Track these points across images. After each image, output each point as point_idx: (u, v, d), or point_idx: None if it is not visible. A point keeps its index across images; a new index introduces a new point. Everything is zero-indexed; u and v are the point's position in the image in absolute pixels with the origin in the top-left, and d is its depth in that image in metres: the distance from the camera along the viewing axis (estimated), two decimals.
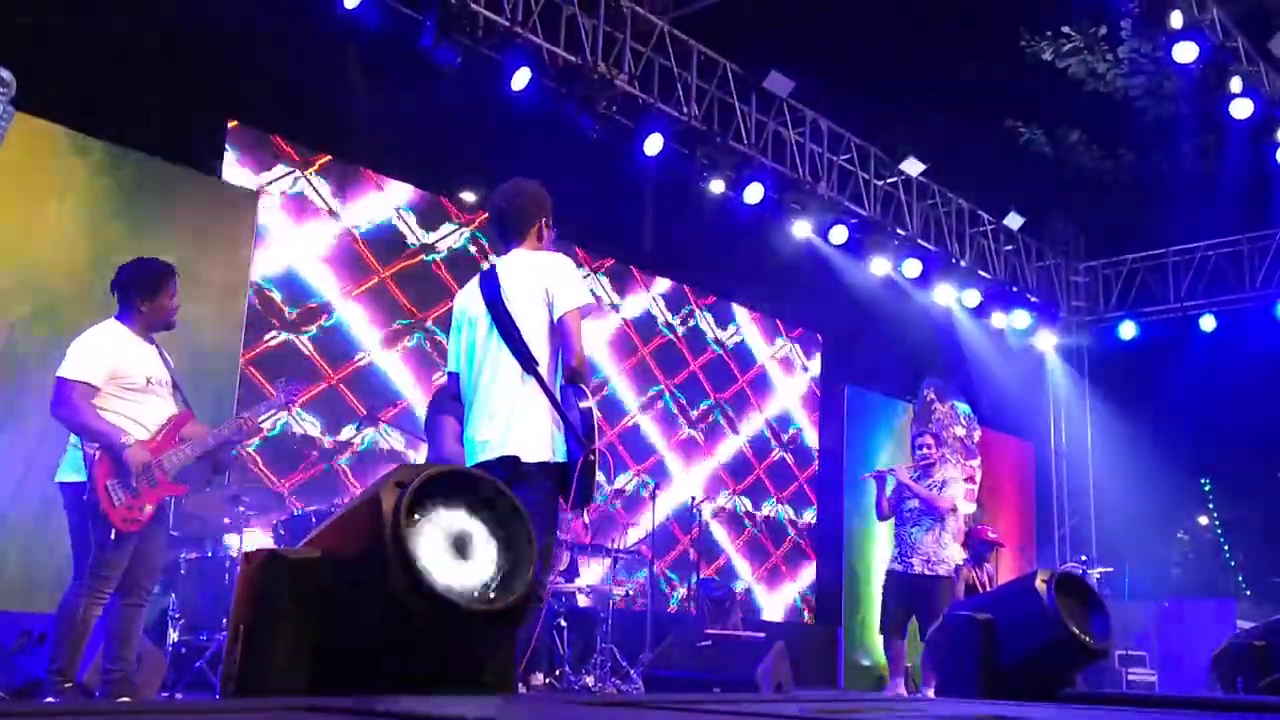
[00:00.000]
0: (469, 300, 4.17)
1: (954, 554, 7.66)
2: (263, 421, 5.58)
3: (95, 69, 6.72)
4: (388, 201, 8.78)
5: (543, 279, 4.01)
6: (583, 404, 3.89)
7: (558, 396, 3.92)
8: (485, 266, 4.75)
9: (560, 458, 3.89)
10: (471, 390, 4.05)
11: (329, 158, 8.41)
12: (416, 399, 8.47)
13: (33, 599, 5.91)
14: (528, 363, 3.92)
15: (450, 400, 5.67)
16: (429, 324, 8.81)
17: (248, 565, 2.41)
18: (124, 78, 6.84)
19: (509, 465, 3.83)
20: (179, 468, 4.72)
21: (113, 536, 4.46)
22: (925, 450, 7.98)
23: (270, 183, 8.04)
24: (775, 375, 11.86)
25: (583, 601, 7.91)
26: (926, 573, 7.54)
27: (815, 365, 12.37)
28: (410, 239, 8.87)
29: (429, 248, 8.97)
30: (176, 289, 4.84)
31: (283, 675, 2.30)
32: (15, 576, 6.20)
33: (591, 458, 3.81)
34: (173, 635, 5.93)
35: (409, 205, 8.90)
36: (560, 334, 3.98)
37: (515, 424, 3.87)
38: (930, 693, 7.41)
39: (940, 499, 7.65)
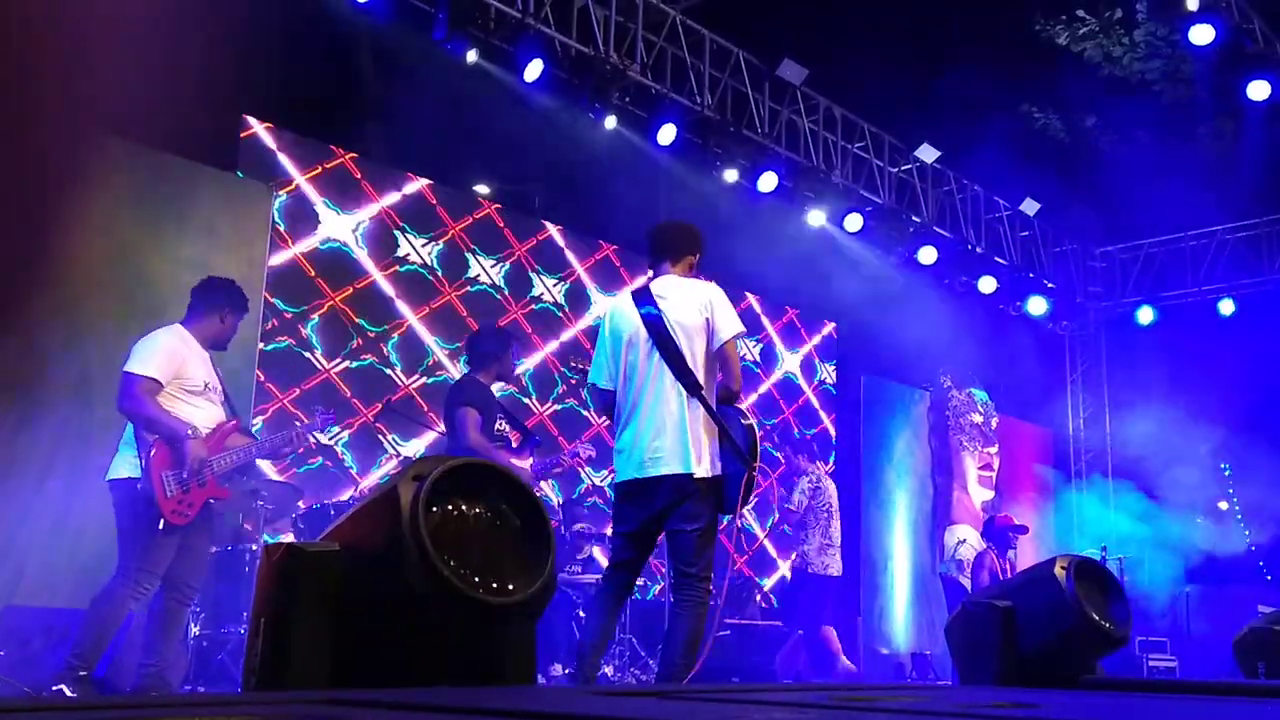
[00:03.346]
0: (623, 320, 4.38)
1: (808, 549, 8.11)
2: (310, 439, 5.66)
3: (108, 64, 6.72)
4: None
5: (704, 308, 4.31)
6: (745, 422, 4.27)
7: (718, 416, 4.23)
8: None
9: (718, 472, 4.22)
10: (633, 407, 4.29)
11: (342, 152, 8.41)
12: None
13: (55, 595, 5.93)
14: (693, 385, 4.20)
15: (491, 395, 5.70)
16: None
17: (268, 559, 2.42)
18: (137, 74, 6.84)
19: (679, 481, 4.15)
20: (227, 471, 4.89)
21: (161, 526, 4.60)
22: (783, 460, 8.66)
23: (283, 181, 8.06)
24: (791, 366, 11.82)
25: None
26: None
27: (830, 355, 12.32)
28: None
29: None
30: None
31: (303, 668, 2.31)
32: (37, 575, 6.21)
33: (753, 472, 4.18)
34: (194, 629, 5.95)
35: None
36: (721, 360, 4.31)
37: (687, 443, 4.18)
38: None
39: (788, 510, 8.26)
